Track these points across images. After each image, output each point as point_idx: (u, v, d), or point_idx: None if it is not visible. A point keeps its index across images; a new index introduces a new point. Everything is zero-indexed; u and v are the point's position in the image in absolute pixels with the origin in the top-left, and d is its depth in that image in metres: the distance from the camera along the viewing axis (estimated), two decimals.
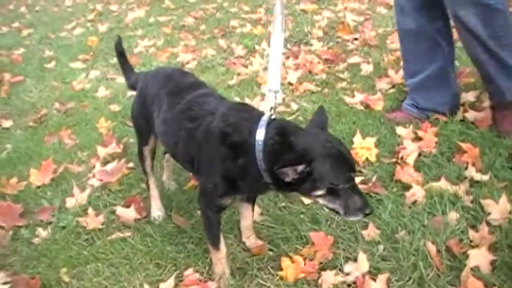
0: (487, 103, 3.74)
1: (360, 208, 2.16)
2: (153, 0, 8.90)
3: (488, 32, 3.23)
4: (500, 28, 3.25)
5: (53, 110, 5.04)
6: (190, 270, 2.71)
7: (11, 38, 8.12)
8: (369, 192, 3.10)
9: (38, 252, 3.04)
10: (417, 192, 3.02)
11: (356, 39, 5.83)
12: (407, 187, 3.11)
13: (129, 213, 3.21)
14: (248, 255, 2.79)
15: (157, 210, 3.19)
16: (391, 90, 4.36)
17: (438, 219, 2.82)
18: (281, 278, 2.59)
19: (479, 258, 2.50)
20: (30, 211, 3.45)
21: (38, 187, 3.70)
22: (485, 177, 3.07)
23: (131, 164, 3.70)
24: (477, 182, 3.07)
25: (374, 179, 3.22)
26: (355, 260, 2.60)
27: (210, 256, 2.69)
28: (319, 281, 2.53)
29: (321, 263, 2.64)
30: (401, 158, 3.36)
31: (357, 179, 3.12)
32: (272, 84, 2.53)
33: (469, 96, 4.00)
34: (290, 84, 4.76)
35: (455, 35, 3.66)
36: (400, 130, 3.64)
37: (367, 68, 4.89)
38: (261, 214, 3.04)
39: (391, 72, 4.59)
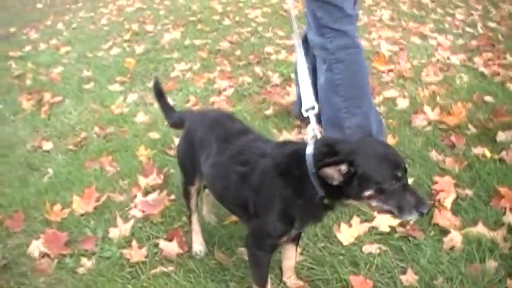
0: None
1: (415, 207, 2.19)
2: (187, 21, 9.02)
3: None
4: None
5: (93, 134, 5.14)
6: None
7: (49, 56, 8.26)
8: (407, 235, 3.16)
9: (83, 284, 3.12)
10: (455, 238, 3.07)
11: (391, 70, 5.89)
12: (445, 231, 3.15)
13: (171, 247, 3.27)
14: None
15: (198, 245, 3.26)
16: (428, 128, 4.40)
17: (476, 266, 2.85)
18: None
19: None
20: (74, 240, 3.53)
21: (81, 215, 3.77)
22: None
23: (173, 196, 3.78)
24: None
25: (412, 222, 3.25)
26: None
27: None
28: None
29: None
30: (439, 200, 3.41)
31: (395, 221, 3.21)
32: (306, 102, 2.68)
33: (507, 136, 4.02)
34: None
35: None
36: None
37: (402, 103, 4.94)
38: (301, 254, 3.10)
39: (427, 108, 4.63)
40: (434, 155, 3.96)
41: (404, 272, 2.88)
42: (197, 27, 8.65)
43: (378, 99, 5.09)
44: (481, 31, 7.36)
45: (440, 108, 4.64)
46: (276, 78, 5.91)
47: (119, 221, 3.56)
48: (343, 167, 2.14)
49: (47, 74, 7.25)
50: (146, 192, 3.92)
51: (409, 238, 3.14)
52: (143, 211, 3.67)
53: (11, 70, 7.69)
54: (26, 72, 7.41)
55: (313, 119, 2.61)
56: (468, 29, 7.49)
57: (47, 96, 6.29)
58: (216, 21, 8.84)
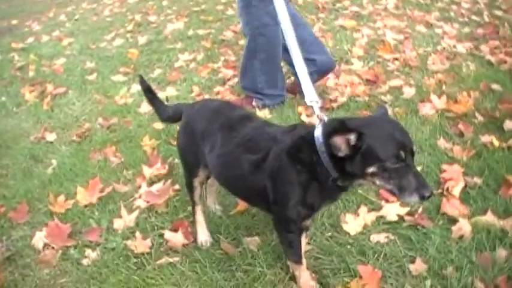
0: None
1: (416, 189, 2.17)
2: (190, 12, 8.96)
3: None
4: None
5: (97, 125, 5.11)
6: None
7: (52, 47, 8.22)
8: (415, 224, 3.12)
9: (88, 275, 3.10)
10: (464, 227, 3.02)
11: (396, 59, 5.84)
12: (453, 220, 3.11)
13: (177, 238, 3.24)
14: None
15: (204, 236, 3.23)
16: (435, 117, 4.35)
17: (486, 255, 2.81)
18: None
19: None
20: (78, 231, 3.51)
21: (85, 206, 3.75)
22: None
23: (177, 186, 3.74)
24: None
25: (420, 210, 3.22)
26: None
27: (259, 284, 2.77)
28: None
29: None
30: (447, 189, 3.37)
31: (403, 210, 3.17)
32: (308, 96, 2.68)
33: None
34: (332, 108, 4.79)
35: None
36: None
37: (409, 91, 4.89)
38: (308, 243, 3.06)
39: (433, 96, 4.58)
40: (442, 143, 3.91)
41: (413, 261, 2.84)
42: (200, 17, 8.57)
43: (383, 88, 5.05)
44: (487, 19, 7.28)
45: (447, 97, 4.59)
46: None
47: (123, 211, 3.53)
48: (352, 137, 2.15)
49: (49, 66, 7.23)
50: (151, 183, 3.89)
51: (418, 227, 3.10)
52: (148, 201, 3.64)
53: (13, 62, 7.67)
54: (29, 64, 7.40)
55: (316, 109, 2.59)
56: (474, 17, 7.40)
57: (49, 87, 6.28)
58: (220, 11, 8.76)
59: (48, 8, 11.62)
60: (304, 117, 4.58)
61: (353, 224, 3.18)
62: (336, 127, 2.23)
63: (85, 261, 3.22)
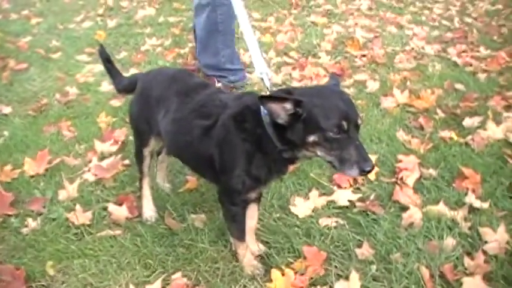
0: (491, 128, 3.79)
1: (356, 162, 2.09)
2: None
3: None
4: None
5: (54, 101, 4.98)
6: (178, 274, 2.66)
7: (20, 25, 8.03)
8: (366, 210, 3.08)
9: (25, 243, 2.99)
10: (414, 214, 2.99)
11: (364, 55, 5.83)
12: (405, 208, 3.07)
13: (121, 211, 3.15)
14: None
15: (149, 211, 3.14)
16: (396, 109, 4.32)
17: (434, 243, 2.78)
18: None
19: (473, 286, 2.47)
20: (22, 200, 3.39)
21: (32, 176, 3.63)
22: (485, 205, 3.04)
23: (127, 161, 3.66)
24: (476, 209, 3.04)
25: (372, 197, 3.18)
26: (347, 278, 2.55)
27: (200, 260, 2.69)
28: None
29: (312, 278, 2.59)
30: (401, 178, 3.33)
31: (355, 196, 3.12)
32: (258, 67, 2.60)
33: (474, 121, 3.99)
34: None
35: None
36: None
37: (373, 86, 4.86)
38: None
39: (396, 91, 4.55)
40: (401, 135, 3.89)
41: (360, 246, 2.79)
42: (173, 6, 8.48)
43: (348, 82, 5.02)
44: (457, 25, 7.32)
45: (409, 92, 4.58)
46: (247, 57, 5.74)
47: (66, 183, 3.43)
48: (288, 106, 2.10)
49: (14, 42, 7.04)
50: (102, 158, 3.79)
51: (368, 213, 3.05)
52: (96, 175, 3.54)
53: None
54: None
55: (267, 80, 2.53)
56: (445, 22, 7.45)
57: (11, 63, 6.12)
58: (193, 0, 8.65)
59: None
60: None
61: (302, 206, 3.12)
62: (272, 93, 2.20)
63: (24, 230, 3.10)
